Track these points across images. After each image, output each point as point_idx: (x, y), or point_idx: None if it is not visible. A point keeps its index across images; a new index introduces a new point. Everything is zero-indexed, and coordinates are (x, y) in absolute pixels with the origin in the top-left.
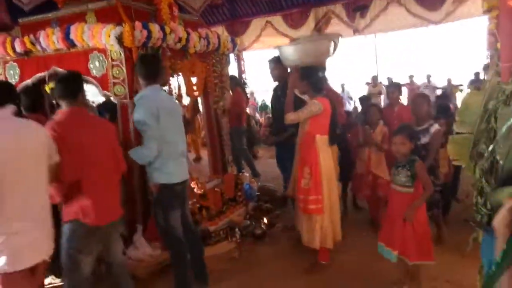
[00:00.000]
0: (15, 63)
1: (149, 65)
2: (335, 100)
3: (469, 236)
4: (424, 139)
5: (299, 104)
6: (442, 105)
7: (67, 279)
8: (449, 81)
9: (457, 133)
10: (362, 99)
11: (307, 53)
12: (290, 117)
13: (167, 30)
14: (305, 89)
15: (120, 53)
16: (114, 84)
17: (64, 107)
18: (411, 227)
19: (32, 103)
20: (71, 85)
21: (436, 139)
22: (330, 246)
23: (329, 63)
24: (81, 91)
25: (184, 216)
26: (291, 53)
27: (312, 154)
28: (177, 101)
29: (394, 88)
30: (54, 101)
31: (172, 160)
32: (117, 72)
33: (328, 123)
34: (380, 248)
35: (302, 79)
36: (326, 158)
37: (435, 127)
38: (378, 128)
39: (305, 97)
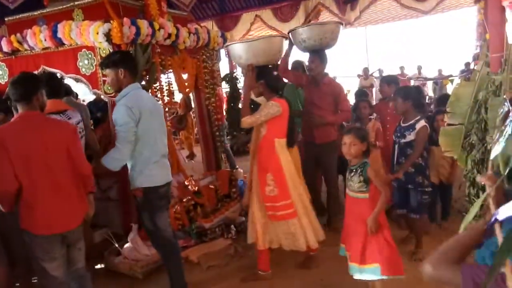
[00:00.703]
0: (3, 63)
1: (130, 60)
2: (339, 93)
3: None
4: (410, 137)
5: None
6: (442, 97)
7: (40, 284)
8: (440, 72)
9: (448, 124)
10: (358, 94)
11: (260, 52)
12: (247, 120)
13: (156, 26)
14: (261, 90)
15: (109, 50)
16: (104, 82)
17: (19, 111)
18: (375, 236)
19: None
20: (23, 87)
21: (421, 136)
22: (315, 246)
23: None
24: (35, 93)
25: None
26: (242, 51)
27: (272, 160)
28: (158, 101)
29: (385, 82)
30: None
31: (154, 162)
32: None
33: (286, 125)
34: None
35: (258, 79)
36: (287, 161)
37: (421, 123)
38: (371, 124)
39: (260, 99)
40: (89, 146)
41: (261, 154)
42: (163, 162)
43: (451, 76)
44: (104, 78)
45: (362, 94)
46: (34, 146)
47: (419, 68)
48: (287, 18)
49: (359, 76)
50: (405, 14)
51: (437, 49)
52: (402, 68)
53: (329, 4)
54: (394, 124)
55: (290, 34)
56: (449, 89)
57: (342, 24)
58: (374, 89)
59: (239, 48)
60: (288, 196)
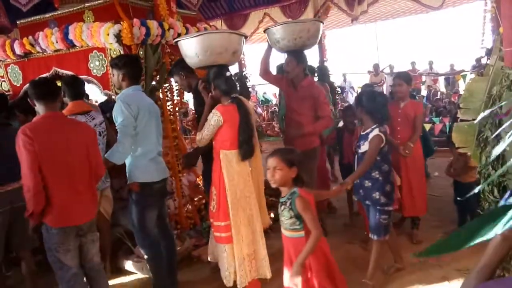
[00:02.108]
0: (16, 66)
1: (134, 66)
2: (317, 97)
3: None
4: (364, 147)
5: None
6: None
7: (57, 275)
8: (451, 67)
9: (462, 120)
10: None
11: (208, 49)
12: (197, 138)
13: (166, 26)
14: (216, 94)
15: (119, 51)
16: None
17: (40, 112)
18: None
19: None
20: (48, 88)
21: (372, 146)
22: (241, 285)
23: (330, 52)
24: (58, 95)
25: (161, 217)
26: (190, 47)
27: (216, 173)
28: (168, 101)
29: (399, 79)
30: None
31: (150, 159)
32: None
33: (235, 135)
34: None
35: (207, 81)
36: (236, 177)
37: (374, 132)
38: None
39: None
40: (109, 145)
41: (213, 164)
42: (159, 159)
43: (463, 71)
44: None
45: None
46: (59, 145)
47: (431, 63)
48: (296, 15)
49: (369, 72)
50: (415, 8)
51: (448, 43)
52: (413, 63)
53: (337, 0)
54: (406, 128)
55: (266, 33)
56: (461, 84)
57: (322, 23)
58: (384, 86)
59: (186, 44)
60: (226, 217)
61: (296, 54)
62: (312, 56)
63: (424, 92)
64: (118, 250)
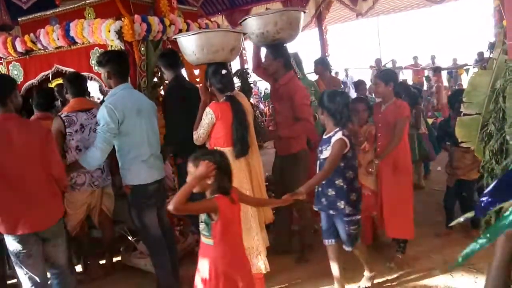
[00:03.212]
0: (17, 63)
1: (119, 63)
2: (293, 96)
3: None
4: (326, 153)
5: None
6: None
7: (22, 281)
8: (454, 61)
9: (465, 114)
10: (357, 85)
11: (204, 47)
12: (195, 137)
13: (167, 22)
14: (212, 91)
15: (121, 47)
16: None
17: None
18: None
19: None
20: None
21: (334, 151)
22: None
23: (332, 47)
24: (9, 95)
25: (159, 216)
26: (187, 45)
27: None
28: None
29: (377, 78)
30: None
31: (142, 161)
32: None
33: (229, 133)
34: None
35: (205, 78)
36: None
37: (337, 135)
38: (363, 128)
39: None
40: None
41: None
42: (153, 162)
43: (466, 65)
44: None
45: (361, 84)
46: (3, 149)
47: (433, 57)
48: None
49: (371, 67)
50: (418, 2)
51: (451, 37)
52: (415, 58)
53: None
54: (387, 134)
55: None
56: (464, 78)
57: (304, 12)
58: None
59: (182, 42)
60: None
61: (272, 48)
62: (314, 51)
63: (425, 87)
64: (121, 246)
